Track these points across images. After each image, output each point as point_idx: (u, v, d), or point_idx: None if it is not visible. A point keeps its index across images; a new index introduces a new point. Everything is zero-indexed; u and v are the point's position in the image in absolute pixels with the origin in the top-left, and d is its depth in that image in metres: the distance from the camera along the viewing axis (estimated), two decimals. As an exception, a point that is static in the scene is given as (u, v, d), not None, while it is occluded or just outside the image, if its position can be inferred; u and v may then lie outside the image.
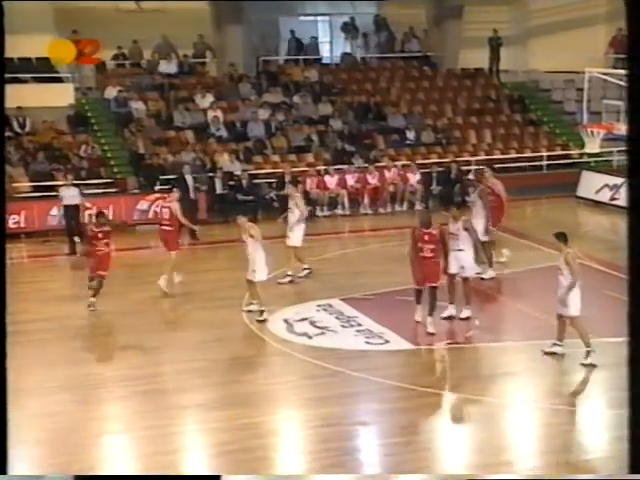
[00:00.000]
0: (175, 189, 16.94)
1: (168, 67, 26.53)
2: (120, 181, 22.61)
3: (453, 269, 13.67)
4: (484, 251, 15.18)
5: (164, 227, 15.78)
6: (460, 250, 13.51)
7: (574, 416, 10.97)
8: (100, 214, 15.60)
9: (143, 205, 21.58)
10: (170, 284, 15.49)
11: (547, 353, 12.20)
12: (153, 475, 8.30)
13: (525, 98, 28.32)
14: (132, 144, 23.55)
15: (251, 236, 13.93)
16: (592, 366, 11.79)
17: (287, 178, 22.18)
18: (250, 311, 14.25)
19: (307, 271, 16.44)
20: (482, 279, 15.55)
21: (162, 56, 26.67)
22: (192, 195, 20.40)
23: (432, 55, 29.53)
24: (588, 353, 11.85)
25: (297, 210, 16.14)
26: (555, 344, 12.20)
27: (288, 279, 16.10)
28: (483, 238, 15.15)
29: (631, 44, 5.48)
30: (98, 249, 14.57)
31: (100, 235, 14.64)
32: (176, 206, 15.73)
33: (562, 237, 12.08)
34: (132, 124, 24.09)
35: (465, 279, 13.77)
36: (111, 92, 25.04)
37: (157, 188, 22.03)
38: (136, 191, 22.30)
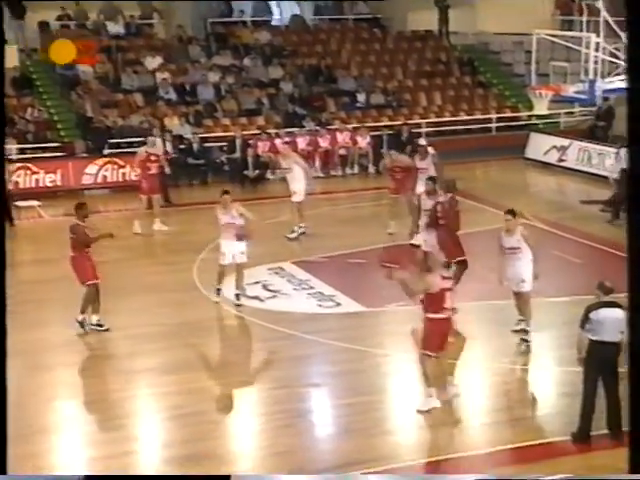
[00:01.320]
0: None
1: (115, 28, 26.09)
2: (68, 145, 22.28)
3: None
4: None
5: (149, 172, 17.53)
6: None
7: (523, 374, 11.17)
8: (81, 206, 12.34)
9: (92, 169, 21.33)
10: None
11: (516, 331, 11.76)
12: (159, 475, 8.33)
13: (475, 60, 28.36)
14: (79, 107, 23.19)
15: (242, 215, 13.00)
16: (525, 333, 11.58)
17: (238, 141, 22.09)
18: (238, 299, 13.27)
19: (303, 230, 16.65)
20: (412, 245, 15.31)
21: (108, 17, 26.21)
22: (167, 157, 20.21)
23: (382, 17, 29.43)
24: (522, 322, 11.67)
25: (297, 168, 16.59)
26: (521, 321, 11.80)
27: (302, 231, 16.60)
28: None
29: (629, 7, 5.37)
30: (85, 251, 12.14)
31: (87, 232, 12.20)
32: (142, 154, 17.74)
33: (513, 213, 11.71)
34: (79, 87, 23.68)
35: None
36: (57, 54, 24.56)
37: (106, 152, 21.77)
38: (84, 155, 22.00)
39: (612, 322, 8.83)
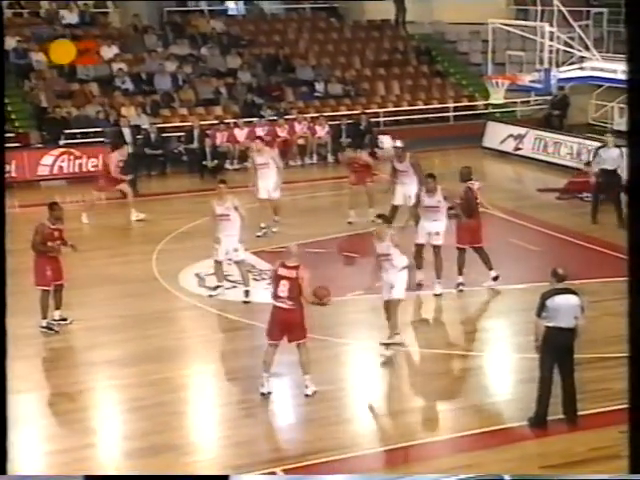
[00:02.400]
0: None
1: (69, 17, 25.77)
2: (22, 135, 21.98)
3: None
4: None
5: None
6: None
7: (480, 361, 11.28)
8: (54, 205, 12.02)
9: (48, 160, 21.11)
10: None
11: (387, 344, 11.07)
12: (159, 475, 8.29)
13: (432, 50, 28.50)
14: (34, 97, 22.89)
15: (236, 208, 12.67)
16: (400, 345, 11.07)
17: (196, 132, 21.97)
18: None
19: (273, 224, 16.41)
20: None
21: (61, 6, 25.88)
22: (130, 149, 20.00)
23: (339, 7, 29.44)
24: (394, 335, 11.03)
25: (273, 163, 16.34)
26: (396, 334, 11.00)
27: (273, 229, 16.32)
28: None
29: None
30: (53, 253, 11.83)
31: (56, 234, 11.83)
32: (114, 159, 17.60)
33: (385, 218, 11.20)
34: (33, 75, 23.36)
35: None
36: (10, 42, 24.19)
37: (62, 142, 21.54)
38: (40, 145, 21.75)
39: (567, 309, 8.98)
